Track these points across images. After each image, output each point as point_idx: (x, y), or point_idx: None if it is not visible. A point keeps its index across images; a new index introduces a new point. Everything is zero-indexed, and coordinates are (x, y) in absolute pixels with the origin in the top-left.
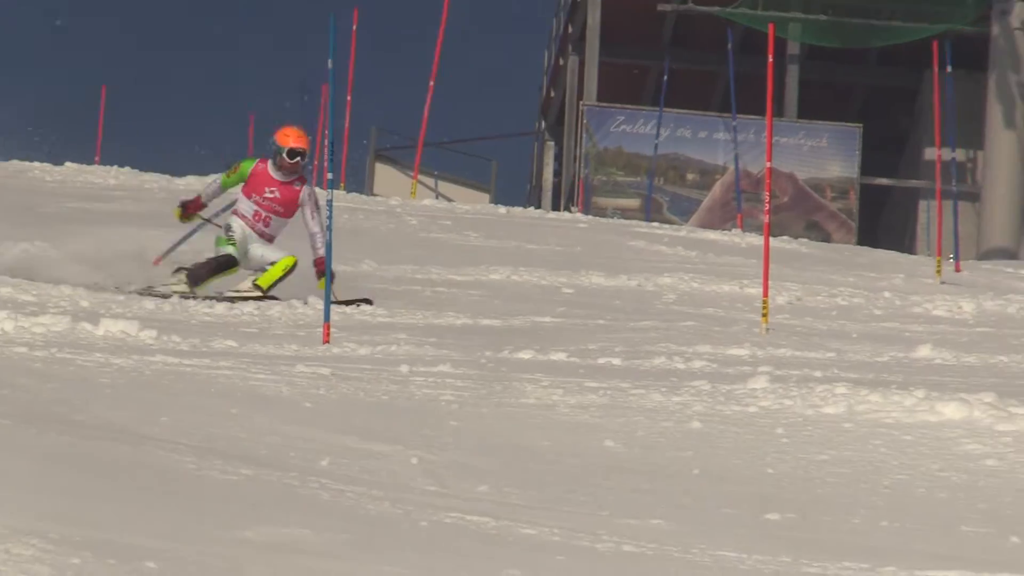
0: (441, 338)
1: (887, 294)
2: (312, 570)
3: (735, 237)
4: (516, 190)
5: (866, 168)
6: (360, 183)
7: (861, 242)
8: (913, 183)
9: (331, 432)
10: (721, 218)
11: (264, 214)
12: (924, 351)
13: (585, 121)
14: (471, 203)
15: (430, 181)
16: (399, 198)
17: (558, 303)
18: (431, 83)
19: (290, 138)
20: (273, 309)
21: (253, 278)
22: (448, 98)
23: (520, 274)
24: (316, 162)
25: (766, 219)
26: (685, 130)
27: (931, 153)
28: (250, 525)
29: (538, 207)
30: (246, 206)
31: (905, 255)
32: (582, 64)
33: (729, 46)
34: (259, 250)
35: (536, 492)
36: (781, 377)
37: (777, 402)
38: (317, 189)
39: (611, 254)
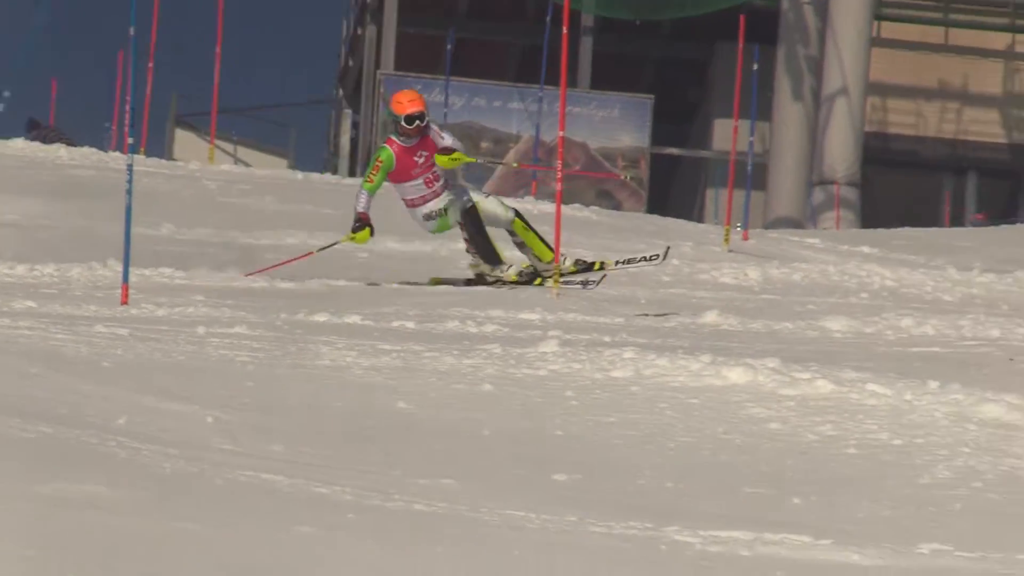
0: (238, 300)
1: (675, 261)
2: (108, 526)
3: (528, 204)
4: (314, 156)
5: (657, 138)
6: (161, 148)
7: (651, 210)
8: (703, 153)
9: (129, 391)
10: (515, 185)
11: (430, 175)
12: (711, 317)
13: (382, 90)
14: (269, 168)
15: (229, 147)
16: (198, 163)
17: (354, 267)
18: (217, 49)
19: (404, 104)
20: (73, 271)
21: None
22: (248, 66)
23: (316, 238)
24: (115, 127)
25: (559, 187)
26: (480, 99)
27: (721, 124)
28: (47, 481)
29: (335, 173)
30: (413, 187)
31: (694, 223)
32: (380, 34)
33: (548, 18)
34: (485, 204)
35: (329, 452)
36: (571, 341)
37: (567, 366)
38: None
39: (404, 218)
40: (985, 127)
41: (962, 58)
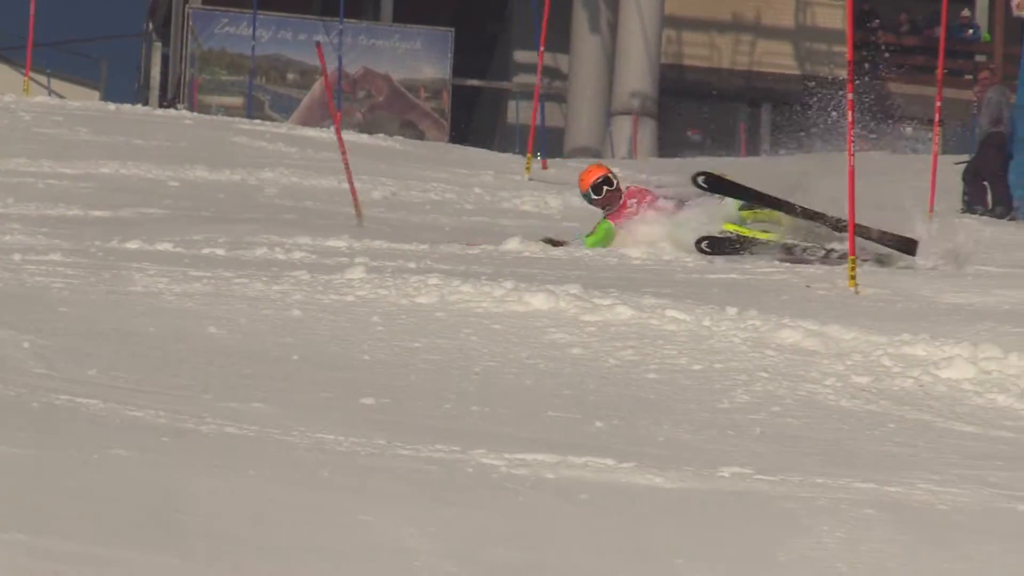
0: (53, 228)
1: (478, 190)
2: None
3: (333, 134)
4: (125, 88)
5: (458, 70)
6: None
7: (453, 141)
8: (503, 84)
9: None
10: (320, 116)
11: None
12: (513, 244)
13: (191, 23)
14: (82, 100)
15: (43, 79)
16: (13, 95)
17: (164, 196)
18: None
19: (585, 181)
20: None
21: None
22: None
23: (128, 168)
24: None
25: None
26: (286, 32)
27: (520, 55)
28: None
29: (146, 104)
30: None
31: (495, 153)
32: None
33: None
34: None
35: (143, 376)
36: (377, 268)
37: (373, 292)
38: None
39: (215, 149)
40: (778, 59)
41: None
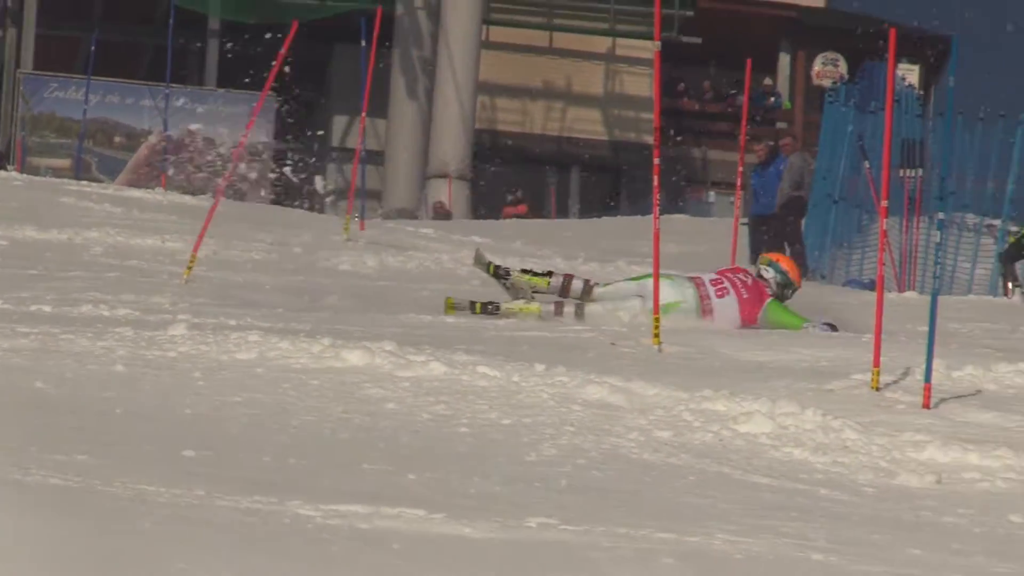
0: None
1: (298, 249)
2: None
3: (158, 195)
4: None
5: (281, 133)
6: None
7: (275, 202)
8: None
9: None
10: (146, 177)
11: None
12: (331, 302)
13: (21, 88)
14: None
15: None
16: None
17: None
18: None
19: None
20: None
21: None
22: None
23: None
24: None
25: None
26: (114, 96)
27: (340, 120)
28: None
29: None
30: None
31: (315, 214)
32: (19, 36)
33: (171, 21)
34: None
35: None
36: (199, 325)
37: (195, 348)
38: None
39: (43, 209)
40: (588, 125)
41: (566, 60)
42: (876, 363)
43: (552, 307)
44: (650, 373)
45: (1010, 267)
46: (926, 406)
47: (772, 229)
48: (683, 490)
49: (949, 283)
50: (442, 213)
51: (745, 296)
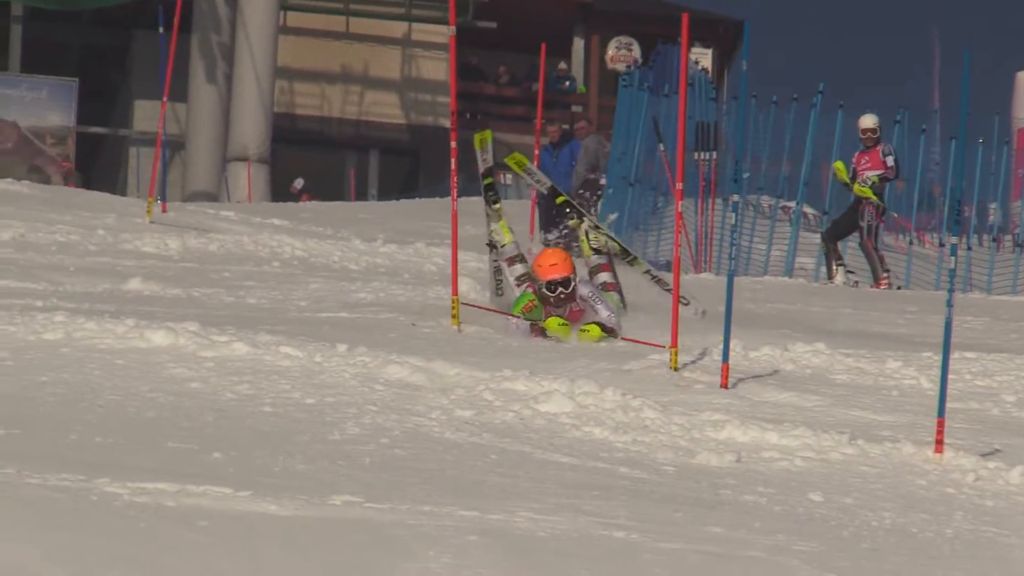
0: None
1: (101, 231)
2: None
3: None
4: None
5: (82, 118)
6: None
7: (79, 185)
8: (123, 132)
9: None
10: None
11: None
12: (134, 284)
13: None
14: None
15: None
16: None
17: None
18: None
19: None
20: None
21: None
22: None
23: None
24: None
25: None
26: None
27: (141, 105)
28: None
29: None
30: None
31: (118, 196)
32: None
33: None
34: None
35: None
36: (5, 306)
37: (1, 329)
38: None
39: None
40: (386, 109)
41: (363, 45)
42: (674, 343)
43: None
44: (451, 353)
45: (832, 246)
46: (724, 386)
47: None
48: (485, 469)
49: (745, 264)
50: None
51: None
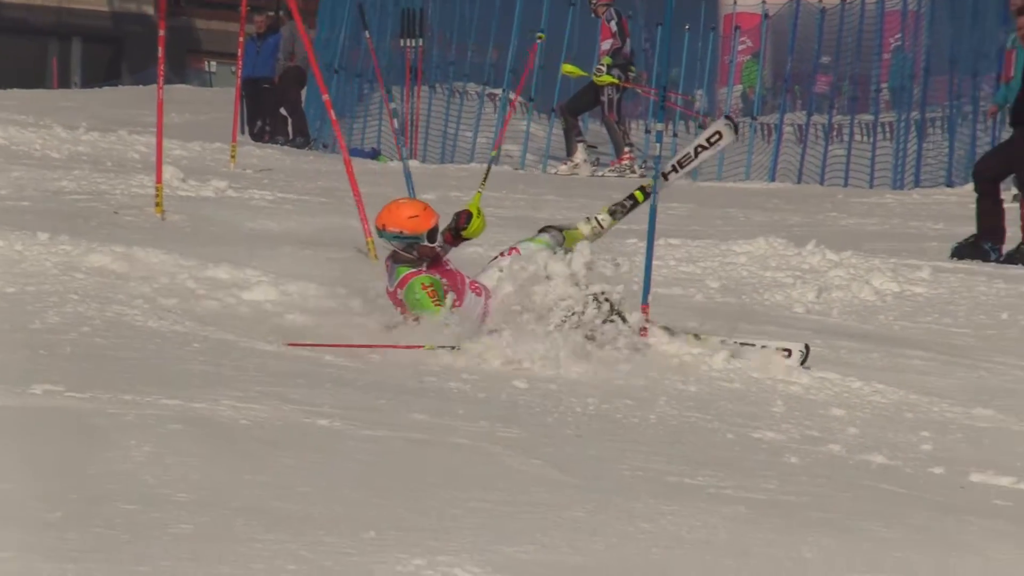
0: None
1: None
2: None
3: None
4: None
5: None
6: None
7: None
8: None
9: None
10: None
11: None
12: None
13: None
14: None
15: None
16: None
17: None
18: None
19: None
20: None
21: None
22: None
23: None
24: None
25: None
26: None
27: None
28: None
29: None
30: None
31: None
32: None
33: None
34: None
35: None
36: None
37: None
38: None
39: None
40: None
41: None
42: (367, 233)
43: None
44: (154, 241)
45: (573, 121)
46: None
47: (273, 97)
48: (188, 357)
49: (452, 151)
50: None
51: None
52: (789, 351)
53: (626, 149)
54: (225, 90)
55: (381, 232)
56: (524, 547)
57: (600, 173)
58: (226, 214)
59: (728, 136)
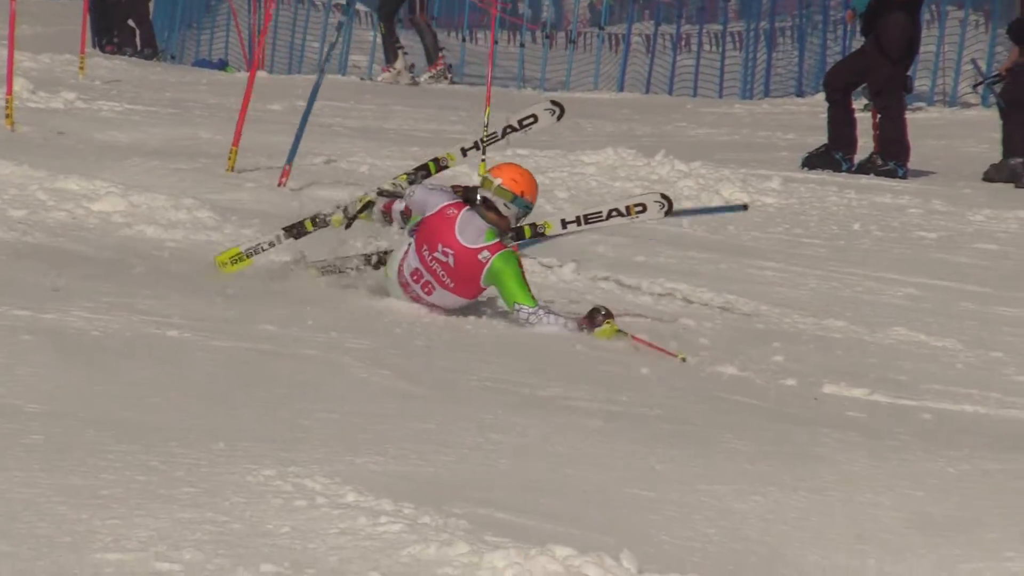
0: None
1: None
2: None
3: None
4: None
5: None
6: None
7: None
8: None
9: None
10: None
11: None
12: None
13: None
14: None
15: None
16: None
17: None
18: None
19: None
20: None
21: None
22: None
23: None
24: None
25: None
26: None
27: None
28: None
29: None
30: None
31: None
32: None
33: None
34: None
35: None
36: None
37: None
38: None
39: None
40: None
41: None
42: (236, 143)
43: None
44: (4, 152)
45: (390, 26)
46: (281, 184)
47: (121, 9)
48: (37, 269)
49: (299, 62)
50: None
51: (451, 284)
52: (644, 205)
53: (439, 54)
54: (74, 1)
55: (515, 198)
56: (374, 458)
57: (419, 79)
58: (76, 125)
59: (545, 119)
